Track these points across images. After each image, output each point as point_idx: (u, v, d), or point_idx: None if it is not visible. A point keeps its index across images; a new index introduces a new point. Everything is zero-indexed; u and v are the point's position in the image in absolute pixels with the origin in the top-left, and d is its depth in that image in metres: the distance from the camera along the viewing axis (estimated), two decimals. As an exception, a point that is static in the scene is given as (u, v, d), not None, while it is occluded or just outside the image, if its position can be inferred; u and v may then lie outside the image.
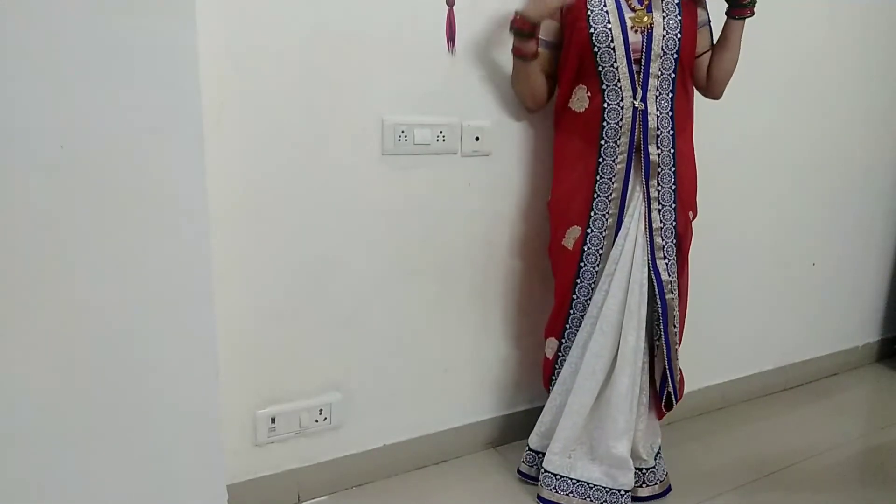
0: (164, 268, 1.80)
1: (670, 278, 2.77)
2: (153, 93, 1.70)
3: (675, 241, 2.79)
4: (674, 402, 2.94)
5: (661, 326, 2.80)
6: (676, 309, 2.83)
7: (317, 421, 2.78)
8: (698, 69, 2.85)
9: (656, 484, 2.94)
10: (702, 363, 3.62)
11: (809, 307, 4.18)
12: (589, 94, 2.69)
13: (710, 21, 2.83)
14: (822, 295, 4.23)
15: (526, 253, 3.10)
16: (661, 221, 2.74)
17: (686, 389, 3.16)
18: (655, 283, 2.75)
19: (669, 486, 2.99)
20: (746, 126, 3.52)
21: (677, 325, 2.85)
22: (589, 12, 2.61)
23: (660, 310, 2.78)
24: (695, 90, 2.88)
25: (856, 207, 4.24)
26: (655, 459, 2.95)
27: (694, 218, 2.87)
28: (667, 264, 2.76)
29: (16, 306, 1.63)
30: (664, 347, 2.83)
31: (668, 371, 2.87)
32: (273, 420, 2.69)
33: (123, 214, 1.72)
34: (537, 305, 3.17)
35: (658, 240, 2.74)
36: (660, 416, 3.01)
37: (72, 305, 1.70)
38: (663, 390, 2.93)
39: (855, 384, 4.31)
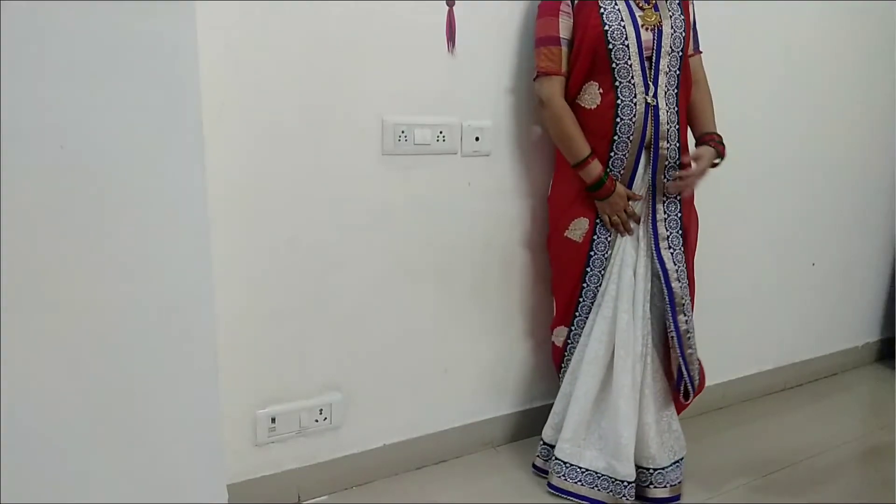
0: (165, 267, 1.80)
1: (676, 266, 2.81)
2: (153, 93, 1.69)
3: (679, 231, 2.84)
4: (691, 392, 2.95)
5: (671, 316, 2.83)
6: (686, 297, 2.85)
7: (317, 421, 2.78)
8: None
9: (665, 487, 2.91)
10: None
11: (809, 307, 4.19)
12: (601, 90, 2.72)
13: (695, 23, 2.93)
14: (821, 295, 4.23)
15: (526, 253, 3.11)
16: (664, 213, 2.81)
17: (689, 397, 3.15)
18: (661, 273, 2.80)
19: (679, 495, 2.95)
20: (744, 126, 3.52)
21: (689, 314, 2.87)
22: (602, 10, 2.65)
23: (667, 299, 2.82)
24: None
25: (855, 207, 4.24)
26: (672, 465, 2.94)
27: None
28: (672, 253, 2.81)
29: (15, 307, 1.63)
30: (675, 337, 2.84)
31: (682, 361, 2.87)
32: (273, 420, 2.69)
33: (124, 214, 1.72)
34: (538, 305, 3.18)
35: (662, 230, 2.80)
36: (679, 408, 3.03)
37: (71, 305, 1.70)
38: (680, 381, 2.93)
39: (855, 384, 4.32)
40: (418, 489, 2.93)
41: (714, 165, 2.85)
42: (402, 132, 2.71)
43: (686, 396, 2.96)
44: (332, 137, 2.60)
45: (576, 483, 2.86)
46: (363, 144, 2.67)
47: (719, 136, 2.89)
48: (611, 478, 2.83)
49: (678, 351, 2.86)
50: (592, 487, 2.85)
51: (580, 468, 2.86)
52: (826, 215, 4.11)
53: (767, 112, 3.66)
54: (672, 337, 2.86)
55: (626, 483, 2.80)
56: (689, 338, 2.87)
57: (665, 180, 2.78)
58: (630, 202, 2.77)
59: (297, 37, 2.46)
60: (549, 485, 2.91)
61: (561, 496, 2.88)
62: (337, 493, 2.87)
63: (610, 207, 2.76)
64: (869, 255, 4.43)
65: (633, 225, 2.79)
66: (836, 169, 4.08)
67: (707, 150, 2.81)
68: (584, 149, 2.73)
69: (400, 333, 2.91)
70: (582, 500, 2.86)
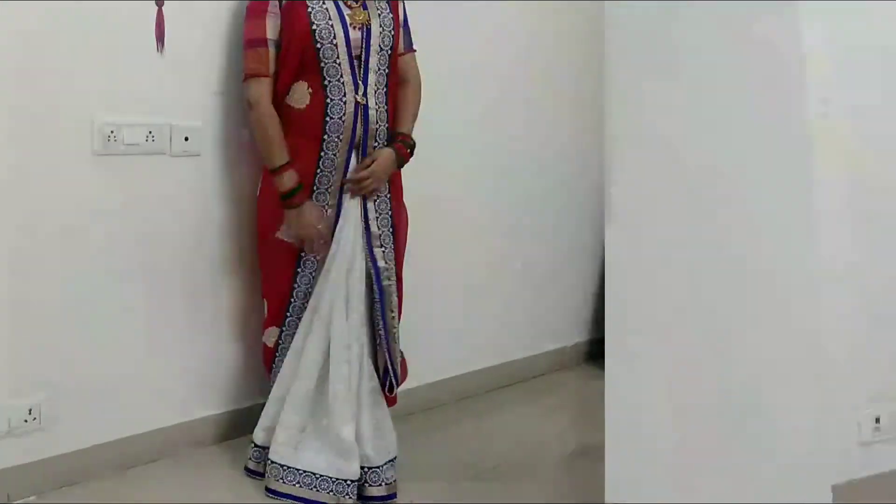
0: None
1: (387, 265, 2.91)
2: None
3: (391, 230, 2.95)
4: (395, 385, 3.06)
5: (380, 312, 2.91)
6: (394, 294, 2.96)
7: (26, 421, 2.72)
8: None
9: (381, 485, 2.94)
10: (410, 364, 3.42)
11: (519, 307, 4.31)
12: (310, 90, 2.77)
13: (407, 21, 3.02)
14: (532, 295, 4.37)
15: (236, 254, 3.15)
16: (376, 212, 2.90)
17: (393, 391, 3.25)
18: (373, 271, 2.88)
19: (395, 493, 2.98)
20: (454, 127, 3.69)
21: (395, 311, 2.97)
22: (309, 9, 2.71)
23: (377, 296, 2.90)
24: None
25: (564, 209, 4.44)
26: (387, 464, 2.97)
27: None
28: (383, 252, 2.91)
29: None
30: (383, 333, 2.93)
31: (388, 357, 2.96)
32: (-20, 421, 2.64)
33: None
34: (247, 306, 3.22)
35: (374, 229, 2.89)
36: (388, 403, 3.08)
37: None
38: (386, 377, 3.01)
39: (565, 384, 4.41)
40: (129, 489, 2.90)
41: (399, 166, 2.95)
42: (112, 132, 2.71)
43: (391, 390, 3.05)
44: (41, 138, 2.60)
45: (294, 485, 2.85)
46: (73, 145, 2.67)
47: (411, 140, 2.97)
48: (332, 478, 2.83)
49: (385, 347, 2.95)
50: (312, 488, 2.84)
51: (298, 470, 2.85)
52: (535, 217, 4.27)
53: (477, 114, 3.84)
54: (380, 335, 2.95)
55: (349, 482, 2.83)
56: (394, 334, 2.98)
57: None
58: (320, 225, 2.81)
59: (2, 34, 2.45)
60: (267, 489, 2.89)
61: (280, 499, 2.87)
62: (46, 494, 2.81)
63: (296, 220, 2.79)
64: (577, 257, 4.59)
65: (322, 244, 2.84)
66: (546, 171, 4.25)
67: (384, 153, 2.87)
68: (282, 157, 2.74)
69: (110, 333, 2.89)
70: (301, 501, 2.85)
